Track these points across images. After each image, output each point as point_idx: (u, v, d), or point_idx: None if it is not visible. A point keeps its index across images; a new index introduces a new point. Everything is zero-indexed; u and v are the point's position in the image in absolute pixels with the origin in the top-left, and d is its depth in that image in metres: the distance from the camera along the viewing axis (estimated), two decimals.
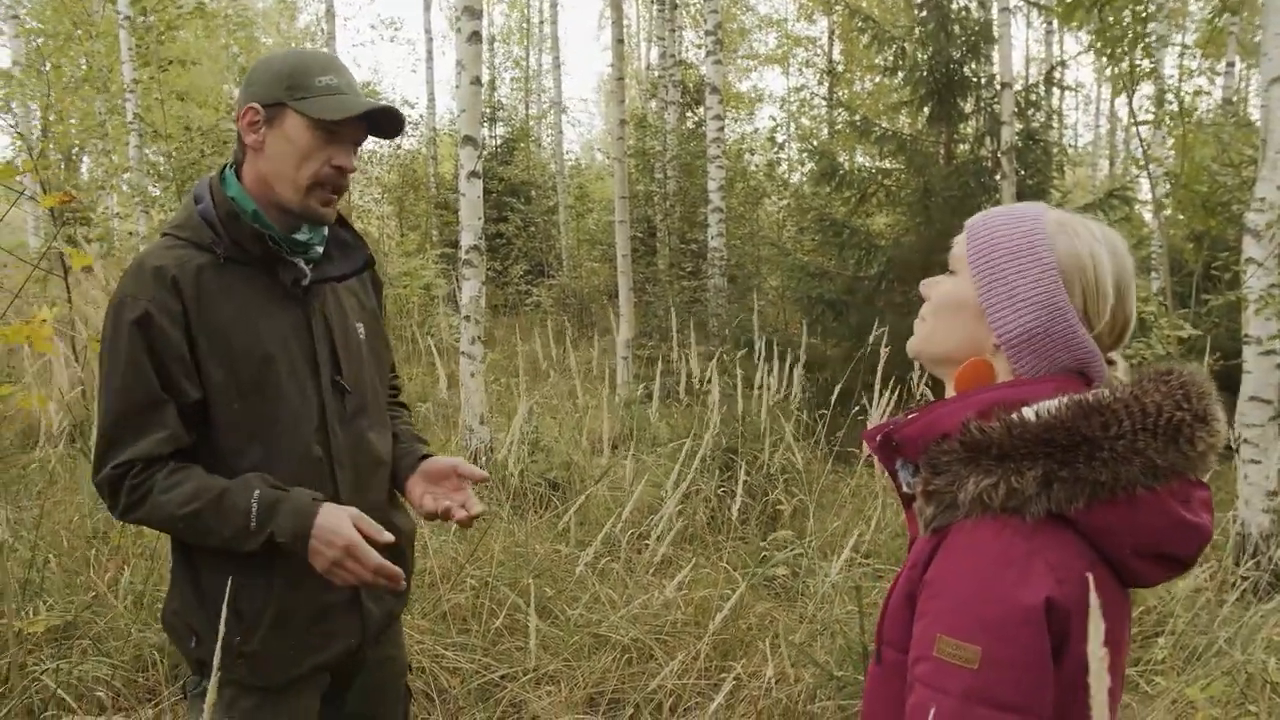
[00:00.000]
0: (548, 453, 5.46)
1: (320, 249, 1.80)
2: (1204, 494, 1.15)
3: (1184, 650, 3.33)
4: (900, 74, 8.69)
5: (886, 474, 1.29)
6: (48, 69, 13.43)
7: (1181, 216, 9.13)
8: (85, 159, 17.10)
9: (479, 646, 3.35)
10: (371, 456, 1.85)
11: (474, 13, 5.22)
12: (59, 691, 2.74)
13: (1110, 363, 1.22)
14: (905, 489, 1.23)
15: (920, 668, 1.08)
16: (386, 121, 1.75)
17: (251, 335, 1.67)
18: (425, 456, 1.96)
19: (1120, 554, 1.10)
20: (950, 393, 1.25)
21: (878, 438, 1.24)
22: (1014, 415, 1.10)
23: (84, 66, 13.83)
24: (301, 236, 1.76)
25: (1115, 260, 1.19)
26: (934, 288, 1.29)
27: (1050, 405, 1.10)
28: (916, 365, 4.38)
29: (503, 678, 3.22)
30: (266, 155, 1.69)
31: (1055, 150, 9.47)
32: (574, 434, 5.97)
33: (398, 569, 1.61)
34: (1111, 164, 22.88)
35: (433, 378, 6.01)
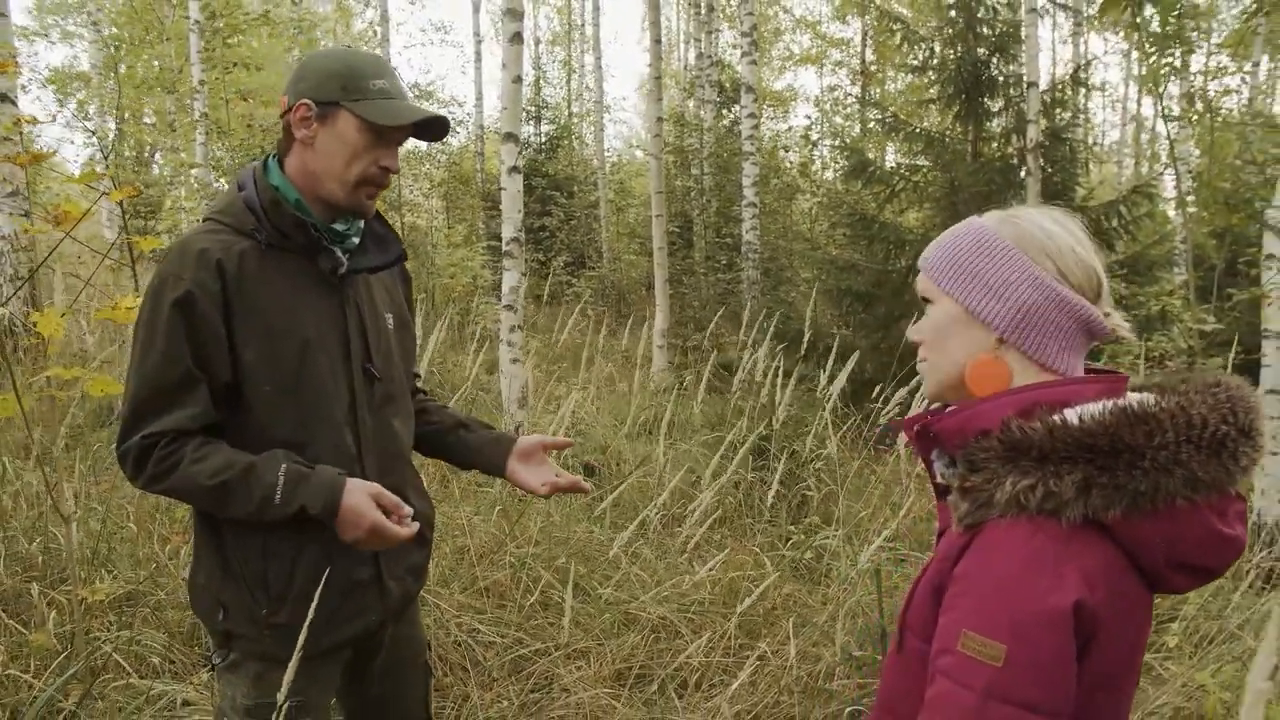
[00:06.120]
0: (584, 436, 5.46)
1: (356, 240, 1.79)
2: (1240, 506, 1.11)
3: (1195, 636, 3.26)
4: (930, 73, 8.57)
5: (922, 463, 1.25)
6: (123, 70, 13.63)
7: (1205, 213, 8.90)
8: (157, 155, 17.38)
9: (514, 622, 3.36)
10: (396, 444, 1.84)
11: (515, 14, 5.20)
12: (115, 657, 2.79)
13: (1106, 315, 1.18)
14: (940, 479, 1.20)
15: (944, 660, 1.05)
16: (434, 126, 1.74)
17: (290, 320, 1.66)
18: (503, 436, 2.00)
19: (1155, 563, 1.06)
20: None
21: (915, 427, 1.20)
22: (1056, 417, 1.06)
23: (156, 68, 14.02)
24: (339, 227, 1.75)
25: (1063, 226, 1.18)
26: (920, 329, 1.25)
27: (1094, 409, 1.06)
28: None
29: (535, 652, 3.22)
30: (316, 151, 1.68)
31: (1081, 148, 9.27)
32: (611, 419, 5.96)
33: (412, 529, 1.66)
34: (1137, 162, 22.40)
35: (476, 363, 6.02)
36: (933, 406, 1.26)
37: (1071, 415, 1.06)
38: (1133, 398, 1.08)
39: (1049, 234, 1.16)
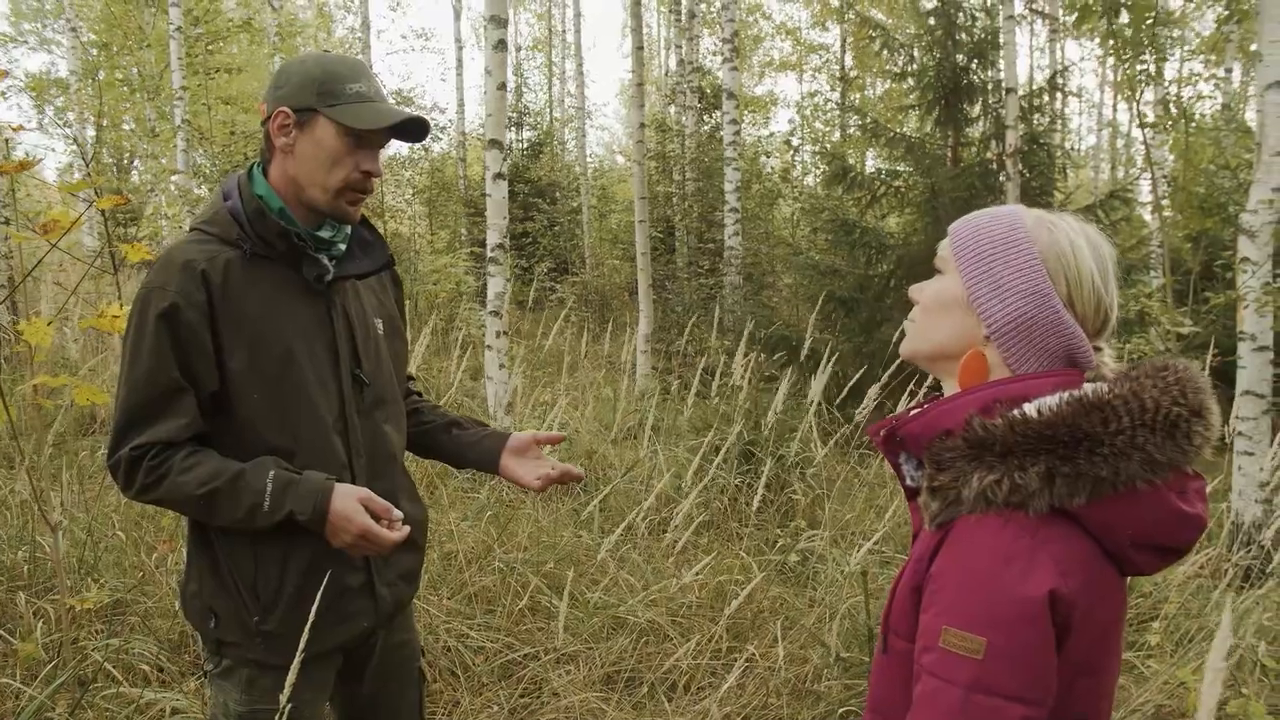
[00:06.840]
0: (571, 442, 5.46)
1: (343, 246, 1.79)
2: (1199, 484, 1.13)
3: (1176, 634, 3.30)
4: (909, 79, 8.65)
5: (890, 467, 1.27)
6: (101, 76, 13.52)
7: (1180, 217, 9.02)
8: (136, 163, 17.23)
9: (503, 627, 3.36)
10: (387, 448, 1.84)
11: (500, 21, 5.21)
12: (106, 665, 2.77)
13: (1097, 349, 1.20)
14: (909, 482, 1.22)
15: (927, 658, 1.07)
16: (413, 128, 1.73)
17: (275, 328, 1.67)
18: (496, 433, 2.00)
19: (1120, 546, 1.09)
20: (951, 387, 1.23)
21: (881, 432, 1.22)
22: (1015, 412, 1.09)
23: (136, 75, 13.93)
24: (325, 234, 1.75)
25: (1094, 251, 1.18)
26: (922, 291, 1.27)
27: (1051, 402, 1.09)
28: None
29: (525, 657, 3.22)
30: (296, 158, 1.68)
31: (1058, 153, 9.38)
32: (595, 425, 5.97)
33: (402, 532, 1.64)
34: (1113, 167, 22.62)
35: (461, 370, 6.02)
36: (898, 411, 1.28)
37: (1030, 409, 1.09)
38: (1087, 387, 1.10)
39: (1078, 255, 1.16)
